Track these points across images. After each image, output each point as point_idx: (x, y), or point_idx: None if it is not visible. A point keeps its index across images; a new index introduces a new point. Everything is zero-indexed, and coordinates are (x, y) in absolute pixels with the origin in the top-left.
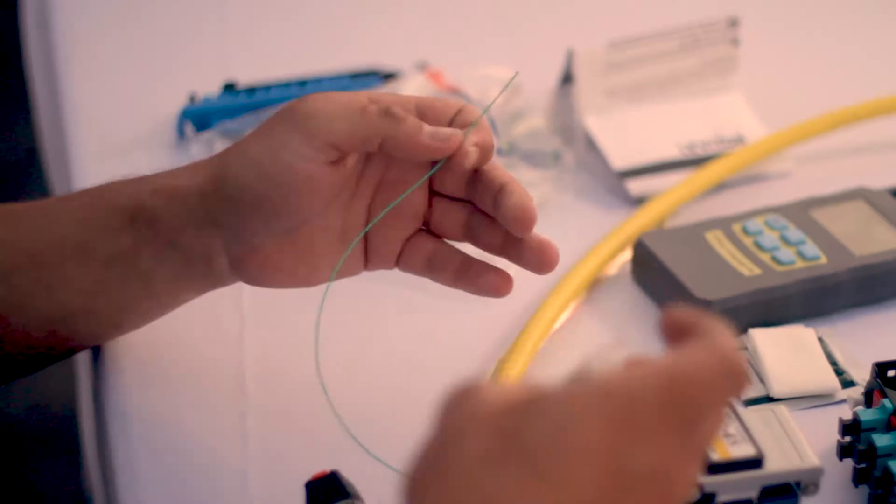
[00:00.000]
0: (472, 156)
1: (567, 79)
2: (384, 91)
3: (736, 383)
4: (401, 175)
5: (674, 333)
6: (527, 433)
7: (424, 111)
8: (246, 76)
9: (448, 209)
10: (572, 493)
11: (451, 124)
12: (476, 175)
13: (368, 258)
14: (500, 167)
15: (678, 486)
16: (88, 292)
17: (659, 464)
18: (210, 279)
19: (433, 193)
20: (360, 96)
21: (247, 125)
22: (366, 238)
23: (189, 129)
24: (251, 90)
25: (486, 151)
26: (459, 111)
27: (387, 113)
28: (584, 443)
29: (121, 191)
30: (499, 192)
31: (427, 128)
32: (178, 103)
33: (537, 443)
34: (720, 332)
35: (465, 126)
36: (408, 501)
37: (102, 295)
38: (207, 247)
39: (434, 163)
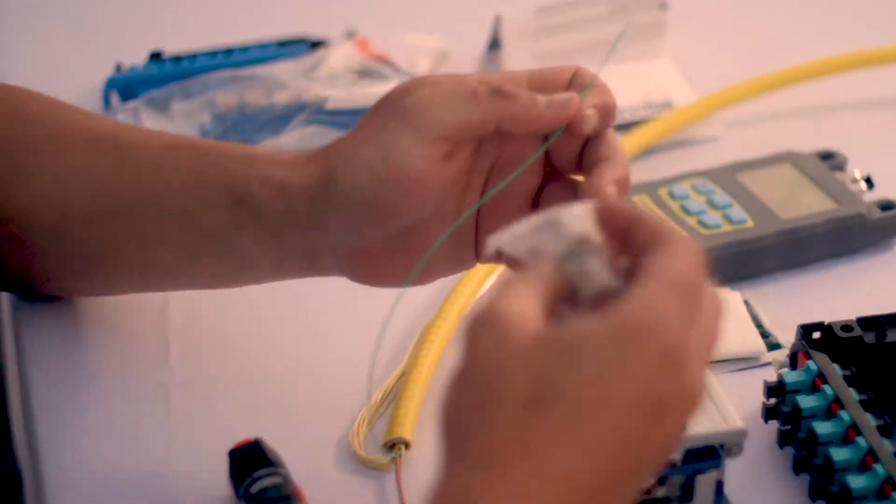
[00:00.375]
0: (591, 120)
1: (495, 45)
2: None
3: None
4: (514, 157)
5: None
6: (565, 380)
7: (536, 82)
8: (173, 45)
9: (560, 190)
10: (613, 434)
11: (568, 90)
12: (590, 146)
13: (481, 248)
14: (615, 138)
15: (698, 398)
16: (183, 256)
17: (687, 386)
18: (312, 272)
19: (546, 174)
20: (468, 79)
21: (173, 94)
22: (477, 228)
23: (115, 98)
24: (177, 59)
25: (606, 114)
26: (574, 75)
27: (498, 93)
28: (622, 387)
29: (229, 168)
30: (599, 162)
31: (542, 98)
32: (104, 72)
33: (577, 390)
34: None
35: (580, 90)
36: (451, 440)
37: (197, 262)
38: (312, 246)
39: (548, 136)
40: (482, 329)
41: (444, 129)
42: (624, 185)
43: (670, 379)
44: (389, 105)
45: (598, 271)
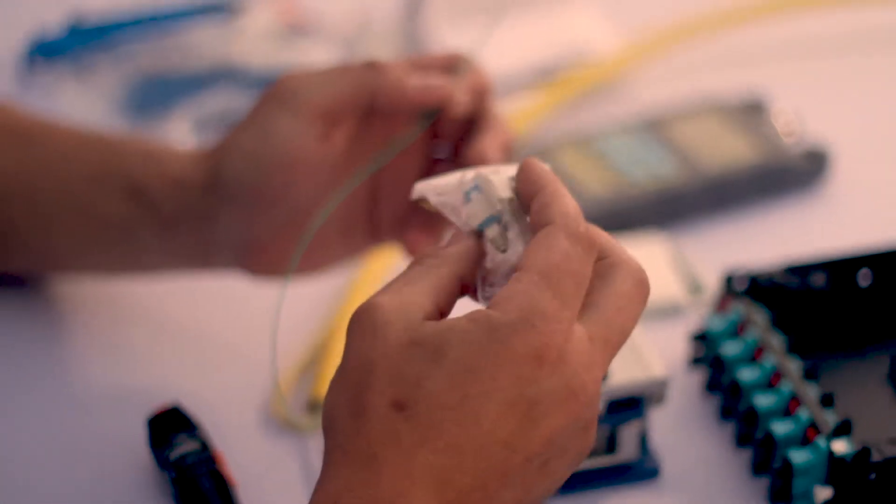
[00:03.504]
0: (462, 103)
1: (416, 2)
2: None
3: (590, 248)
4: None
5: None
6: (429, 383)
7: (414, 66)
8: (93, 6)
9: (447, 169)
10: (482, 435)
11: (445, 74)
12: (472, 122)
13: (377, 233)
14: (495, 110)
15: (583, 394)
16: (80, 245)
17: (567, 383)
18: (208, 267)
19: (437, 157)
20: (345, 64)
21: (94, 60)
22: (370, 213)
23: (37, 64)
24: (97, 27)
25: (480, 96)
26: (451, 60)
27: (369, 65)
28: (487, 388)
29: (130, 161)
30: (475, 133)
31: (413, 77)
32: (19, 37)
33: (440, 392)
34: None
35: (460, 73)
36: (329, 439)
37: (93, 252)
38: (206, 241)
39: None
40: (359, 324)
41: (319, 105)
42: (507, 151)
43: (543, 379)
44: (269, 93)
45: (519, 236)
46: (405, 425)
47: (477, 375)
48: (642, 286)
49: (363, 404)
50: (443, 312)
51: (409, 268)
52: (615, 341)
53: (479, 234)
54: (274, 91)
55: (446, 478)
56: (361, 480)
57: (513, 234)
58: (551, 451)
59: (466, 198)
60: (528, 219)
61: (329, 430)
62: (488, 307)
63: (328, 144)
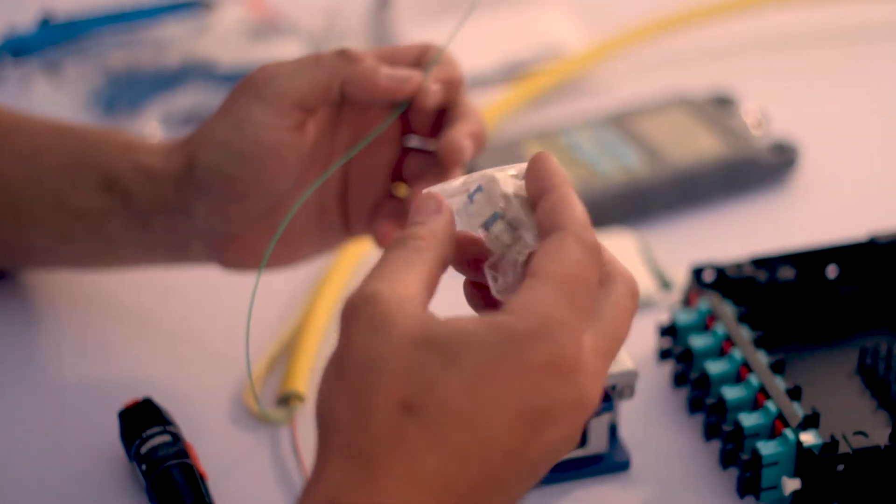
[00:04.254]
0: (433, 95)
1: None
2: None
3: (598, 258)
4: (370, 134)
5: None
6: (442, 387)
7: (386, 57)
8: (63, 3)
9: (419, 159)
10: (491, 443)
11: (418, 66)
12: (445, 113)
13: (350, 225)
14: (467, 101)
15: (590, 403)
16: (53, 237)
17: (577, 394)
18: (182, 260)
19: (408, 149)
20: (317, 53)
21: (64, 56)
22: (343, 205)
23: (6, 61)
24: (67, 24)
25: (451, 88)
26: (423, 52)
27: (341, 55)
28: (501, 397)
29: (104, 153)
30: (453, 121)
31: (385, 68)
32: None
33: (454, 397)
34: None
35: (431, 65)
36: (324, 434)
37: (66, 244)
38: (180, 233)
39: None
40: (359, 314)
41: (293, 95)
42: (479, 140)
43: (557, 389)
44: (242, 86)
45: (528, 233)
46: (413, 428)
47: (492, 382)
48: (636, 298)
49: (368, 402)
50: (430, 294)
51: (394, 251)
52: (614, 351)
53: (485, 231)
54: (247, 81)
55: (449, 484)
56: (360, 482)
57: (522, 229)
58: (548, 458)
59: (470, 199)
60: (528, 212)
61: (326, 426)
62: (503, 311)
63: (301, 134)
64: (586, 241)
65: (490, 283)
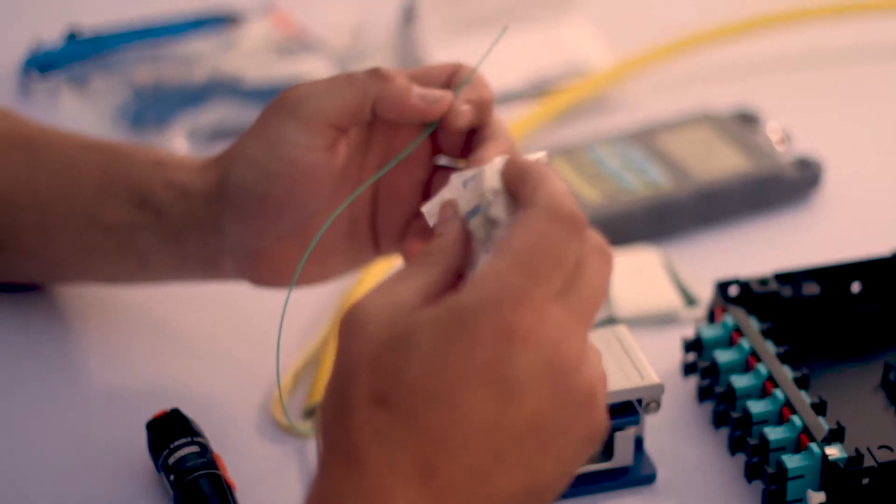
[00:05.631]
0: (464, 116)
1: (410, 15)
2: None
3: (575, 228)
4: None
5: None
6: (404, 373)
7: (418, 77)
8: (89, 19)
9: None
10: (462, 419)
11: (448, 86)
12: (475, 133)
13: (380, 243)
14: (498, 121)
15: (563, 371)
16: (84, 252)
17: (545, 360)
18: (213, 276)
19: (438, 167)
20: (349, 72)
21: (91, 72)
22: (373, 223)
23: (34, 77)
24: (95, 37)
25: (482, 109)
26: (454, 72)
27: (374, 74)
28: (459, 371)
29: (136, 169)
30: (484, 141)
31: (417, 88)
32: (18, 49)
33: (416, 381)
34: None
35: (462, 85)
36: (323, 434)
37: (97, 259)
38: (212, 250)
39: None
40: (344, 325)
41: (326, 115)
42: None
43: (518, 356)
44: (275, 104)
45: (493, 234)
46: (386, 418)
47: (449, 360)
48: (606, 256)
49: (347, 403)
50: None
51: (403, 266)
52: (589, 313)
53: (466, 222)
54: (280, 101)
55: (431, 467)
56: (348, 477)
57: (498, 228)
58: (546, 429)
59: (464, 185)
60: (508, 203)
61: (322, 433)
62: (459, 290)
63: (333, 154)
64: (557, 212)
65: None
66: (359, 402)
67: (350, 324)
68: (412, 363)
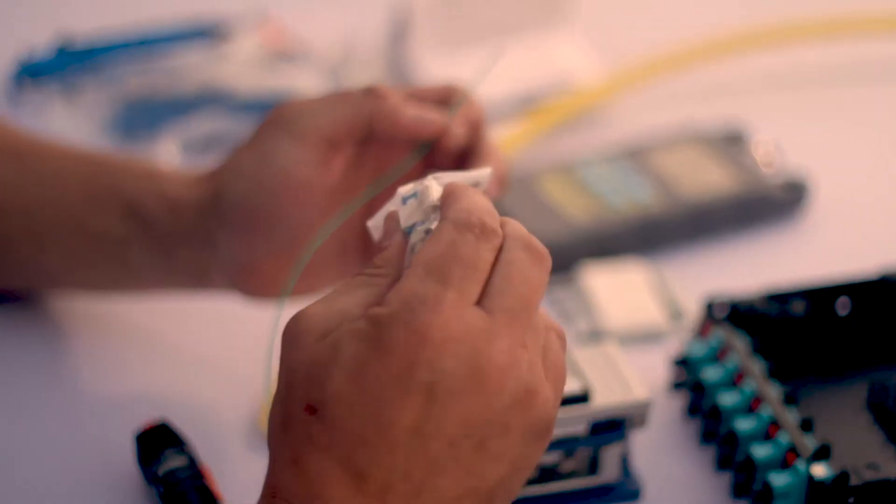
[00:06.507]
0: (457, 137)
1: (402, 28)
2: None
3: (484, 234)
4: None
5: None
6: (331, 381)
7: (412, 96)
8: (79, 25)
9: None
10: (385, 424)
11: (442, 105)
12: (468, 152)
13: (371, 258)
14: (491, 142)
15: (487, 374)
16: (73, 261)
17: (464, 363)
18: (203, 289)
19: None
20: (345, 89)
21: (82, 81)
22: (367, 237)
23: (25, 85)
24: (84, 51)
25: (474, 129)
26: (448, 92)
27: (369, 91)
28: (378, 377)
29: (127, 180)
30: (470, 164)
31: (411, 109)
32: (6, 56)
33: (341, 389)
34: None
35: (456, 106)
36: (269, 442)
37: (85, 268)
38: (202, 263)
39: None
40: (285, 335)
41: (321, 130)
42: (502, 180)
43: (437, 360)
44: (270, 119)
45: None
46: (317, 426)
47: (368, 368)
48: (532, 249)
49: (287, 414)
50: None
51: (350, 279)
52: (518, 307)
53: (405, 238)
54: (275, 116)
55: (363, 472)
56: (287, 483)
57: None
58: (479, 430)
59: (403, 202)
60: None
61: (269, 442)
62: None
63: (327, 170)
64: (465, 221)
65: None
66: (296, 412)
67: (290, 334)
68: (337, 371)
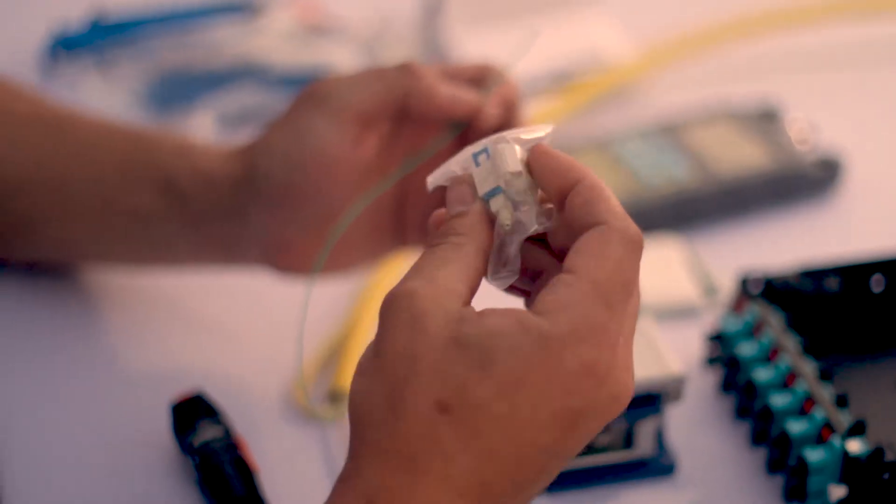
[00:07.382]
0: (491, 118)
1: (435, 4)
2: None
3: (640, 250)
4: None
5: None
6: (478, 389)
7: (448, 75)
8: (115, 2)
9: None
10: (525, 446)
11: (477, 84)
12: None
13: (406, 236)
14: (526, 120)
15: (619, 403)
16: (104, 234)
17: (609, 395)
18: (234, 263)
19: None
20: (380, 66)
21: (117, 55)
22: (398, 216)
23: (59, 58)
24: (118, 24)
25: (510, 110)
26: (483, 71)
27: (404, 69)
28: (536, 402)
29: (161, 153)
30: None
31: (446, 87)
32: (41, 30)
33: (489, 401)
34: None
35: (491, 85)
36: (359, 429)
37: (119, 243)
38: (235, 238)
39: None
40: (399, 313)
41: (355, 108)
42: None
43: (592, 391)
44: (304, 96)
45: (529, 214)
46: (447, 428)
47: (526, 387)
48: (638, 302)
49: (404, 401)
50: (473, 290)
51: (434, 247)
52: (631, 353)
53: (483, 203)
54: (310, 92)
55: (486, 484)
56: (399, 483)
57: (522, 211)
58: (578, 448)
59: (475, 161)
60: (538, 195)
61: (360, 422)
62: (536, 310)
63: (361, 147)
64: (630, 237)
65: (490, 265)
66: (419, 404)
67: (403, 313)
68: (486, 382)
